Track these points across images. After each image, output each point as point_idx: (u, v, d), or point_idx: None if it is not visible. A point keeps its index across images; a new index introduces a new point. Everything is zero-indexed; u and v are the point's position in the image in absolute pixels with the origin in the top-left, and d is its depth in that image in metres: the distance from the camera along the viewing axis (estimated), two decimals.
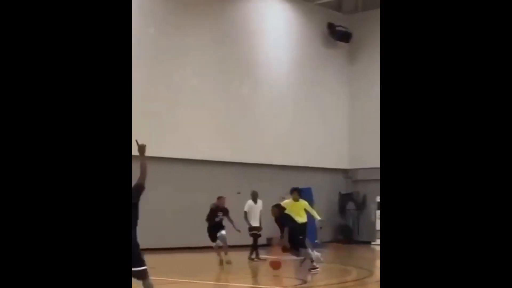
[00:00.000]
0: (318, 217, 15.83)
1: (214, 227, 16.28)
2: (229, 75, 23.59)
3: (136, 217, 8.27)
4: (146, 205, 21.71)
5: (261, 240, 18.47)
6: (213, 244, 16.29)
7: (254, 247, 17.47)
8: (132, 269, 7.74)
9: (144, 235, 21.13)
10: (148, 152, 21.64)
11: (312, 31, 26.49)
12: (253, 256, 17.38)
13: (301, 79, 25.78)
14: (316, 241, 21.71)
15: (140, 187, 8.26)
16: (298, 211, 15.53)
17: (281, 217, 14.62)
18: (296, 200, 15.81)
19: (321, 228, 17.27)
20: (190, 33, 22.62)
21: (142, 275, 8.07)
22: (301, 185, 22.84)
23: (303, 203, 15.95)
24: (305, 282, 12.63)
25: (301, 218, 15.50)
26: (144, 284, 8.21)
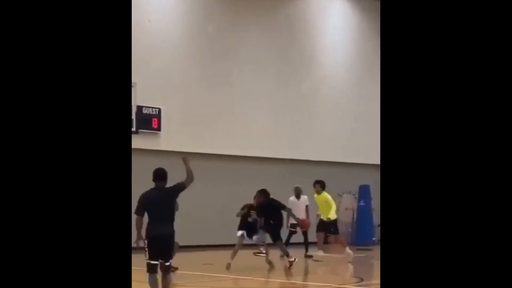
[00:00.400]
0: (333, 216, 15.88)
1: (247, 228, 15.62)
2: (287, 73, 23.57)
3: (173, 213, 8.67)
4: (205, 202, 21.94)
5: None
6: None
7: (305, 244, 17.44)
8: (160, 261, 8.22)
9: (202, 232, 21.28)
10: (204, 150, 21.87)
11: (370, 29, 26.28)
12: (309, 253, 17.35)
13: (359, 77, 25.61)
14: (373, 238, 21.58)
15: (182, 187, 8.66)
16: (321, 204, 15.60)
17: (265, 204, 14.58)
18: (318, 192, 15.75)
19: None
20: (248, 30, 22.69)
21: (167, 269, 8.56)
22: (359, 182, 22.84)
23: (325, 196, 15.87)
24: (361, 279, 12.56)
25: (325, 214, 15.44)
26: (165, 277, 8.50)
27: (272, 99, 23.13)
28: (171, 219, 8.72)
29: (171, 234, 8.66)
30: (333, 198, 23.88)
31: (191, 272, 13.77)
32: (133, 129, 16.44)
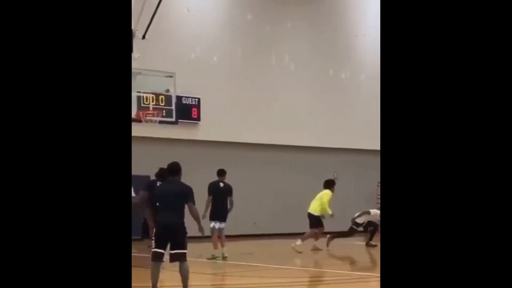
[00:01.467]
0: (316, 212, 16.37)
1: None
2: (326, 61, 23.43)
3: (183, 206, 8.90)
4: (243, 191, 21.99)
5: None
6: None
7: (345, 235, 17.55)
8: (176, 251, 8.45)
9: (237, 222, 21.26)
10: (242, 139, 21.84)
11: None
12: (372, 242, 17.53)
13: None
14: None
15: (190, 198, 9.27)
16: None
17: None
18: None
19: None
20: (287, 19, 22.59)
21: (180, 258, 8.86)
22: None
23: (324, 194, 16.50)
24: None
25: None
26: (180, 267, 8.96)
27: (311, 88, 23.02)
28: (181, 211, 9.09)
29: (180, 224, 8.95)
30: (374, 187, 23.81)
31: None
32: (173, 119, 16.49)
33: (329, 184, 16.99)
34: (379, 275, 11.60)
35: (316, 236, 16.80)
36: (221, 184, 14.79)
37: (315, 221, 16.69)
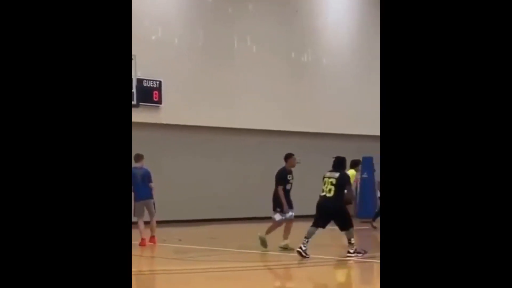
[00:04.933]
0: None
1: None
2: (289, 44, 23.34)
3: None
4: (207, 176, 21.79)
5: None
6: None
7: None
8: None
9: (201, 206, 21.12)
10: (205, 123, 21.72)
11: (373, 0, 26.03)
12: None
13: (362, 45, 25.34)
14: (377, 210, 21.49)
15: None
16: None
17: None
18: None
19: None
20: (248, 0, 22.41)
21: None
22: (362, 154, 22.68)
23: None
24: (365, 252, 12.40)
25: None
26: None
27: (273, 70, 22.91)
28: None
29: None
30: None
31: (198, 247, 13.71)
32: (134, 102, 16.28)
33: (355, 164, 15.92)
34: (338, 257, 11.53)
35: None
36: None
37: None
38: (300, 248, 11.84)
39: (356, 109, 24.65)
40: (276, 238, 13.18)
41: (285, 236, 13.23)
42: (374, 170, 22.34)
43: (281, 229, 13.31)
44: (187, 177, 20.64)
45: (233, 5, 22.07)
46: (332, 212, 11.99)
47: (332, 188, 12.12)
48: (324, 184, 12.29)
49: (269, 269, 12.00)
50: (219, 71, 21.64)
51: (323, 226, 12.22)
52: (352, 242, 12.07)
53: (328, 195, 12.11)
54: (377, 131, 19.67)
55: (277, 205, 13.48)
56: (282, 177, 13.73)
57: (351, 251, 12.02)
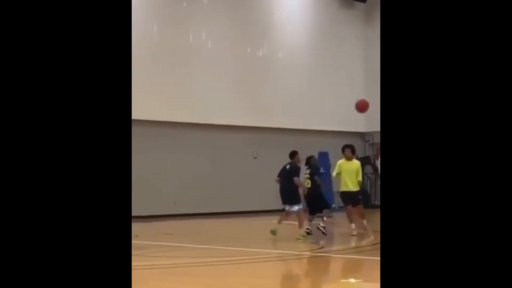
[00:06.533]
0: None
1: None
2: (244, 38, 23.36)
3: None
4: (162, 171, 21.73)
5: None
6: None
7: None
8: None
9: (162, 201, 21.13)
10: (163, 117, 21.67)
11: None
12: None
13: (317, 40, 25.49)
14: (333, 205, 21.64)
15: None
16: (350, 173, 14.03)
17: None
18: (349, 159, 14.37)
19: None
20: None
21: None
22: (318, 149, 22.81)
23: (356, 163, 14.48)
24: (322, 247, 12.56)
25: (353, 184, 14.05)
26: None
27: (229, 65, 22.92)
28: None
29: None
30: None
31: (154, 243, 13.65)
32: None
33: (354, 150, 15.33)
34: (297, 252, 11.57)
35: (358, 215, 14.66)
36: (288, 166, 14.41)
37: (357, 198, 14.61)
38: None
39: (311, 104, 24.78)
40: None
41: (301, 226, 13.94)
42: (330, 165, 22.48)
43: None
44: (145, 172, 20.57)
45: (188, 0, 21.99)
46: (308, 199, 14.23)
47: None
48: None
49: (235, 263, 12.02)
50: (174, 66, 21.56)
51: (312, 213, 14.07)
52: (325, 220, 14.04)
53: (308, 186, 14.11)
54: (332, 126, 20.01)
55: (294, 196, 14.02)
56: (297, 170, 14.36)
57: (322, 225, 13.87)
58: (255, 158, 20.57)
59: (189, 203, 21.58)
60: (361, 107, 13.74)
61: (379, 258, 4.43)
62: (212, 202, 20.87)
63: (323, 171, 22.57)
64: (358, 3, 26.73)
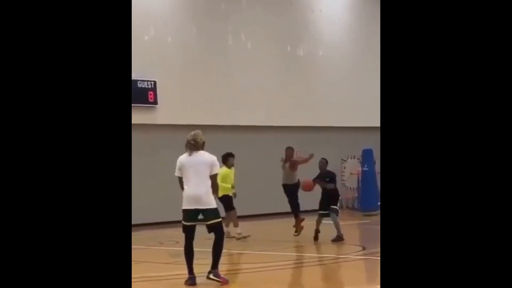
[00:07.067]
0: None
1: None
2: (283, 38, 23.15)
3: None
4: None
5: None
6: None
7: None
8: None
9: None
10: (203, 121, 21.54)
11: None
12: None
13: (358, 37, 25.14)
14: (378, 203, 21.29)
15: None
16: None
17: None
18: (229, 167, 14.90)
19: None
20: None
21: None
22: (362, 146, 22.50)
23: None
24: (363, 248, 12.23)
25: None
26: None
27: (269, 66, 22.74)
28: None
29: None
30: (337, 163, 23.65)
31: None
32: None
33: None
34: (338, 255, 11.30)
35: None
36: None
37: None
38: None
39: (354, 101, 24.45)
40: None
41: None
42: (374, 162, 22.12)
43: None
44: None
45: (226, 1, 21.86)
46: None
47: None
48: None
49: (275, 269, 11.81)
50: (214, 68, 21.44)
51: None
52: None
53: None
54: (376, 123, 19.59)
55: (336, 200, 14.09)
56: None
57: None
58: (299, 157, 20.31)
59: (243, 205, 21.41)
60: (306, 186, 14.33)
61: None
62: (258, 203, 20.66)
63: (366, 168, 22.27)
64: None
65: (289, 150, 15.71)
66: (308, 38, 23.91)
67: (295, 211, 14.82)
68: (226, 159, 14.66)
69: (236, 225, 14.47)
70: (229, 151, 21.58)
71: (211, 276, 8.67)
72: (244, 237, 14.33)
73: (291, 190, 14.97)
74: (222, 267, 9.02)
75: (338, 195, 14.19)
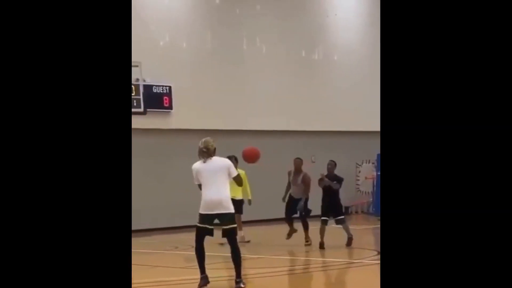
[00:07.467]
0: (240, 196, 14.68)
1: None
2: (298, 42, 23.13)
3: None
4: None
5: None
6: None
7: None
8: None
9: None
10: (219, 126, 21.45)
11: None
12: None
13: (373, 41, 25.07)
14: None
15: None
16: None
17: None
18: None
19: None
20: (255, 0, 22.23)
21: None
22: (377, 150, 22.42)
23: (241, 172, 14.23)
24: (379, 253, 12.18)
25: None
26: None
27: (284, 71, 22.71)
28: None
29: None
30: (352, 168, 23.61)
31: None
32: (141, 109, 16.15)
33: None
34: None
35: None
36: None
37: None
38: None
39: (369, 105, 24.37)
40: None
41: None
42: None
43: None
44: None
45: (241, 6, 21.88)
46: None
47: None
48: None
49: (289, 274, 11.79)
50: (229, 73, 21.46)
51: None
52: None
53: None
54: None
55: (341, 208, 13.95)
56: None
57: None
58: (313, 162, 20.29)
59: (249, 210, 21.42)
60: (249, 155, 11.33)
61: None
62: (265, 208, 20.63)
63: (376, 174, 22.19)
64: None
65: (298, 161, 15.12)
66: (323, 42, 23.88)
67: (304, 219, 14.44)
68: None
69: (239, 229, 14.41)
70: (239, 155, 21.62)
71: (241, 285, 8.82)
72: (244, 242, 14.26)
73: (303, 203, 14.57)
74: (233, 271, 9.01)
75: (341, 204, 13.98)
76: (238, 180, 9.24)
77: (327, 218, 13.60)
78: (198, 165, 9.08)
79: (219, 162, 9.05)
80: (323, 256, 12.93)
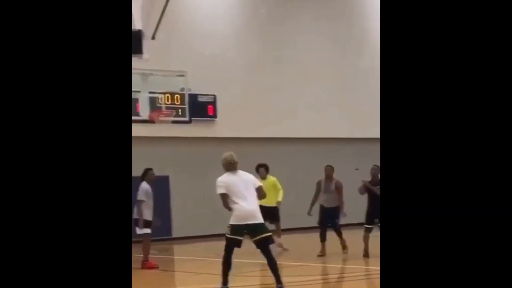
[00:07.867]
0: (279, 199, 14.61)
1: None
2: (344, 53, 23.14)
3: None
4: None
5: None
6: None
7: None
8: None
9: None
10: (263, 134, 21.41)
11: None
12: None
13: None
14: None
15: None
16: (268, 189, 13.03)
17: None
18: (263, 177, 14.47)
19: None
20: (301, 13, 22.31)
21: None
22: None
23: (272, 180, 14.71)
24: None
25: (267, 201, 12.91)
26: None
27: (330, 80, 22.74)
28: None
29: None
30: None
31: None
32: (186, 118, 16.36)
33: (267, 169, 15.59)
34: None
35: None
36: None
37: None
38: None
39: None
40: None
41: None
42: None
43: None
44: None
45: (285, 17, 22.00)
46: None
47: None
48: None
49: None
50: (274, 83, 21.56)
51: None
52: None
53: None
54: None
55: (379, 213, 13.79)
56: None
57: None
58: (357, 169, 20.24)
59: (294, 218, 21.46)
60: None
61: None
62: (301, 216, 20.64)
63: None
64: None
65: (329, 169, 15.01)
66: (367, 52, 23.81)
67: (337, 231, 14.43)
68: (257, 170, 14.56)
69: (278, 236, 14.44)
70: (290, 163, 21.67)
71: None
72: (283, 249, 14.32)
73: (336, 213, 14.56)
74: (271, 279, 9.04)
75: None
76: (261, 192, 9.21)
77: (371, 226, 13.38)
78: (228, 177, 9.14)
79: (245, 174, 9.20)
80: (367, 264, 12.91)
